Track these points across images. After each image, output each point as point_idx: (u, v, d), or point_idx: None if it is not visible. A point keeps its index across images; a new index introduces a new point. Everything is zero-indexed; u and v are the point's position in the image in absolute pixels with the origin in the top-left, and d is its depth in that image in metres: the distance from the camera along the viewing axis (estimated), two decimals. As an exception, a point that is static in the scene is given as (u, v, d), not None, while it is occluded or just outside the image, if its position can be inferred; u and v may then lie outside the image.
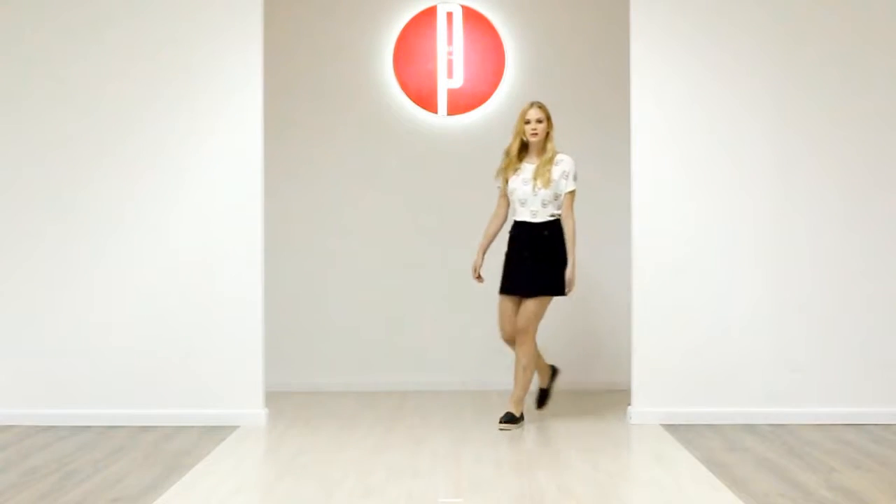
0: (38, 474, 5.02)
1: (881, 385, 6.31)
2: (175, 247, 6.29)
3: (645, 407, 6.31)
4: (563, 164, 6.22)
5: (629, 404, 6.39)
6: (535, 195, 6.18)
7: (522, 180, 6.23)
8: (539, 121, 6.22)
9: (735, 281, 6.35)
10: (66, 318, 6.30)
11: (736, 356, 6.32)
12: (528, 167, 6.24)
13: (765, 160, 6.35)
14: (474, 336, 7.62)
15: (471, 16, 7.72)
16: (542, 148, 6.23)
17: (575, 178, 6.22)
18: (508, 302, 6.25)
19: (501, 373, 6.94)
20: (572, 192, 6.21)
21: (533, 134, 6.20)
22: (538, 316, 6.20)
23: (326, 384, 7.60)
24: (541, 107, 6.26)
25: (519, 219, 6.27)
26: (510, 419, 6.14)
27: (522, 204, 6.24)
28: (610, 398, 7.11)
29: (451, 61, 7.68)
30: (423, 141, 7.71)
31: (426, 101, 7.72)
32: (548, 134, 6.24)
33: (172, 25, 6.32)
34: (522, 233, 6.23)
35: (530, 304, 6.17)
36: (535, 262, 6.16)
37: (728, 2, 6.38)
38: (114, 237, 6.32)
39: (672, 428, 6.11)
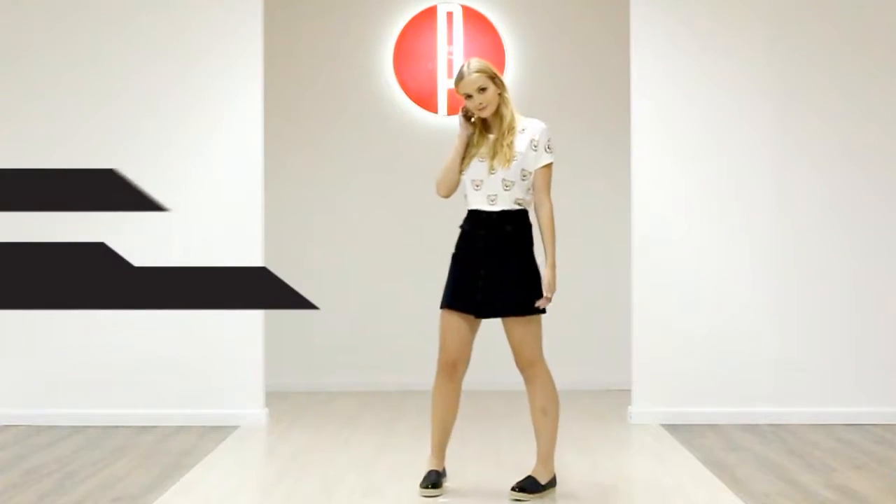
0: (38, 474, 5.02)
1: (881, 385, 6.31)
2: (175, 246, 6.29)
3: (645, 407, 6.31)
4: (530, 131, 4.55)
5: (629, 404, 6.39)
6: (493, 174, 4.52)
7: (477, 157, 4.58)
8: (482, 89, 4.50)
9: (735, 281, 6.35)
10: (66, 319, 6.29)
11: (736, 356, 6.33)
12: (490, 139, 4.61)
13: (763, 162, 6.35)
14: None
15: (471, 16, 7.72)
16: (499, 117, 4.57)
17: (549, 149, 4.56)
18: (457, 319, 4.63)
19: (501, 373, 6.90)
20: (549, 167, 4.56)
21: (481, 109, 4.54)
22: (539, 337, 4.65)
23: (326, 384, 7.60)
24: (479, 70, 4.50)
25: (472, 207, 4.59)
26: (531, 486, 4.64)
27: (477, 187, 4.55)
28: (610, 398, 7.11)
29: (451, 61, 7.67)
30: (423, 141, 7.70)
31: (426, 101, 7.72)
32: (501, 96, 4.55)
33: (172, 26, 6.33)
34: (476, 227, 4.58)
35: (519, 328, 4.58)
36: (496, 271, 4.53)
37: (726, 6, 6.38)
38: (114, 237, 6.31)
39: (672, 428, 6.11)
